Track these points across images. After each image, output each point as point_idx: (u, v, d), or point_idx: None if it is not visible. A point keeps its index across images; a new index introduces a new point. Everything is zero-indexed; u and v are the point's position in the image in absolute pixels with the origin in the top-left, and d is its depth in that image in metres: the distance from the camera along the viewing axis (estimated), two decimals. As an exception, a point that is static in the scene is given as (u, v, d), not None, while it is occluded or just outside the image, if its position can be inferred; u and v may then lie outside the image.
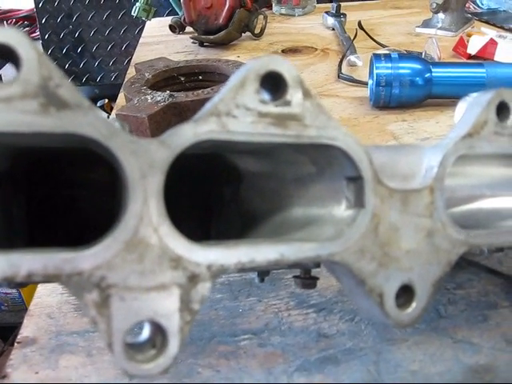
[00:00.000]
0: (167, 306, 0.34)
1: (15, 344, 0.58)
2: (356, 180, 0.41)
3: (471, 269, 0.65)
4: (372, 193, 0.40)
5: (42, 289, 0.66)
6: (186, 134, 0.34)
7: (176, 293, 0.34)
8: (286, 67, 0.37)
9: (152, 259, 0.33)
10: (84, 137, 0.32)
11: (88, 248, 0.32)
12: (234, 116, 0.36)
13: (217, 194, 0.54)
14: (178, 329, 0.34)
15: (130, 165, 0.32)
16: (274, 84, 0.37)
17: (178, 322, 0.34)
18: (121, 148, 0.32)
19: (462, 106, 0.51)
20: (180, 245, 0.34)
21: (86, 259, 0.31)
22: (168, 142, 0.34)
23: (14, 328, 1.85)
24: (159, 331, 0.34)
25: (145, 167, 0.33)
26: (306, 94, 0.38)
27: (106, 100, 2.47)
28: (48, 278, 0.31)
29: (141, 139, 0.34)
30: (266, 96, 0.37)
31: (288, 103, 0.38)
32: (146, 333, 0.34)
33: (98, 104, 2.43)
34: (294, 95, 0.38)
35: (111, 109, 2.42)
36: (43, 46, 2.63)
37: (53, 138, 0.33)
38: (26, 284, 0.51)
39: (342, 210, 0.42)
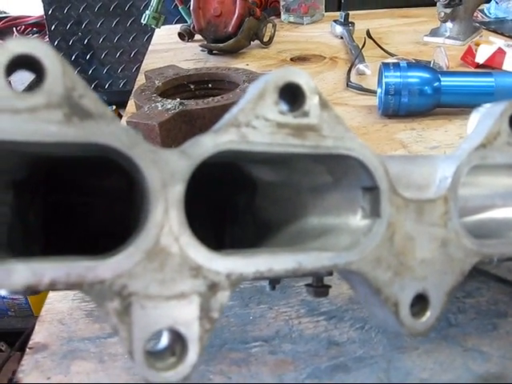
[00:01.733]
0: (187, 315, 0.34)
1: (27, 350, 0.58)
2: (372, 190, 0.41)
3: (480, 277, 0.65)
4: (388, 203, 0.41)
5: (53, 295, 0.66)
6: (207, 144, 0.35)
7: (196, 301, 0.34)
8: (304, 79, 0.38)
9: (172, 268, 0.34)
10: (106, 146, 0.32)
11: (110, 256, 0.32)
12: (254, 127, 0.36)
13: (231, 202, 0.54)
14: (197, 337, 0.34)
15: (152, 174, 0.33)
16: (292, 95, 0.38)
17: (198, 330, 0.34)
18: (142, 158, 0.33)
19: (474, 116, 0.51)
20: (200, 254, 0.34)
21: (107, 268, 0.32)
22: (189, 152, 0.34)
23: (21, 333, 1.86)
24: (179, 339, 0.34)
25: (166, 177, 0.33)
26: (324, 105, 0.39)
27: (114, 107, 2.47)
28: (70, 287, 0.31)
29: (162, 149, 0.34)
30: (284, 107, 0.38)
31: (306, 114, 0.38)
32: (165, 340, 0.35)
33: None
34: (312, 106, 0.38)
35: (119, 115, 2.43)
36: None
37: (74, 147, 0.34)
38: (40, 292, 0.51)
39: (357, 220, 0.42)
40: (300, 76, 0.38)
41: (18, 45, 0.30)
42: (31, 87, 0.31)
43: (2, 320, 2.19)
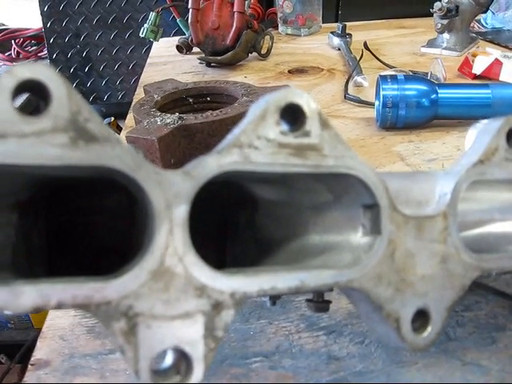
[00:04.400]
0: (192, 334, 0.35)
1: (29, 366, 0.58)
2: (372, 207, 0.42)
3: (479, 291, 0.65)
4: (388, 220, 0.41)
5: (54, 311, 0.66)
6: (210, 166, 0.35)
7: (200, 320, 0.35)
8: (305, 99, 0.38)
9: (177, 288, 0.34)
10: (112, 169, 0.33)
11: (116, 277, 0.32)
12: (256, 147, 0.37)
13: (232, 220, 0.55)
14: (202, 356, 0.35)
15: (156, 196, 0.33)
16: (293, 115, 0.38)
17: (203, 349, 0.35)
18: (147, 179, 0.33)
19: (472, 132, 0.52)
20: (204, 273, 0.35)
21: (114, 289, 0.32)
22: (193, 173, 0.35)
23: (21, 346, 1.86)
24: (184, 358, 0.35)
25: (170, 198, 0.34)
26: (324, 124, 0.39)
27: (112, 118, 2.47)
28: (77, 307, 0.32)
29: (166, 171, 0.35)
30: (285, 127, 0.39)
31: (307, 134, 0.39)
32: (170, 359, 0.35)
33: (104, 122, 2.44)
34: (313, 126, 0.39)
35: (117, 126, 2.43)
36: (51, 65, 2.64)
37: (79, 169, 0.34)
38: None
39: (358, 237, 0.43)
40: (301, 96, 0.38)
41: (24, 70, 0.31)
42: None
43: (2, 332, 2.18)
